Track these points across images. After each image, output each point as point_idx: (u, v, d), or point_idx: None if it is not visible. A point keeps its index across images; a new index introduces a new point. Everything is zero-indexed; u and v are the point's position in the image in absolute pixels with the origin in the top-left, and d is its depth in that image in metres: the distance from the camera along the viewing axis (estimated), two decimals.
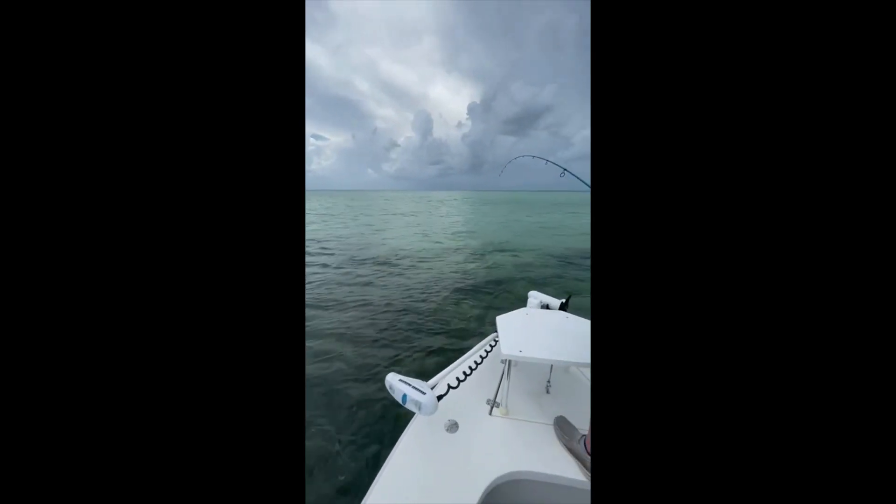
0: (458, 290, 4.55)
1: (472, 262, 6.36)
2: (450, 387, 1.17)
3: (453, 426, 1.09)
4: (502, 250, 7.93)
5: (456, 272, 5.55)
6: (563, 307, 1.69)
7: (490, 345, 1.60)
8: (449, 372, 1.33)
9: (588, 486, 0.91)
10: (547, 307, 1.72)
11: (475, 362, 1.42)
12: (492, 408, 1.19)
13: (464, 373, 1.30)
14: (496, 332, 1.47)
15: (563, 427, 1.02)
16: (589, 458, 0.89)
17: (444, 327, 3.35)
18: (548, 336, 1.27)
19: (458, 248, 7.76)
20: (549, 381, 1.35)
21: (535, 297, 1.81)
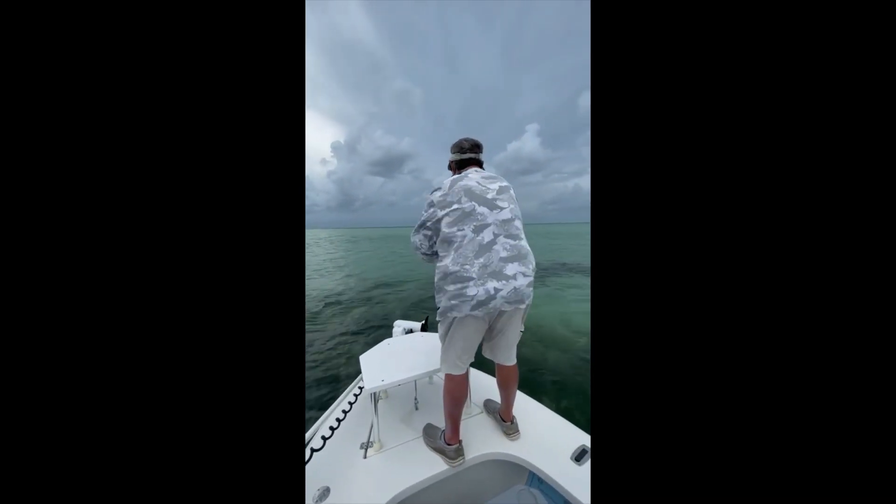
0: (344, 335, 4.53)
1: (358, 305, 6.37)
2: (314, 450, 1.10)
3: (323, 494, 1.02)
4: (384, 285, 8.21)
5: (341, 317, 5.47)
6: (423, 328, 1.88)
7: (359, 387, 1.59)
8: (314, 433, 1.25)
9: (450, 472, 1.13)
10: (411, 331, 1.86)
11: (343, 411, 1.36)
12: (366, 450, 1.20)
13: (330, 428, 1.24)
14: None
15: (428, 433, 1.30)
16: (447, 446, 1.18)
17: (332, 380, 3.29)
18: (407, 358, 1.38)
19: (339, 293, 7.57)
20: (416, 399, 1.51)
21: (399, 325, 1.92)
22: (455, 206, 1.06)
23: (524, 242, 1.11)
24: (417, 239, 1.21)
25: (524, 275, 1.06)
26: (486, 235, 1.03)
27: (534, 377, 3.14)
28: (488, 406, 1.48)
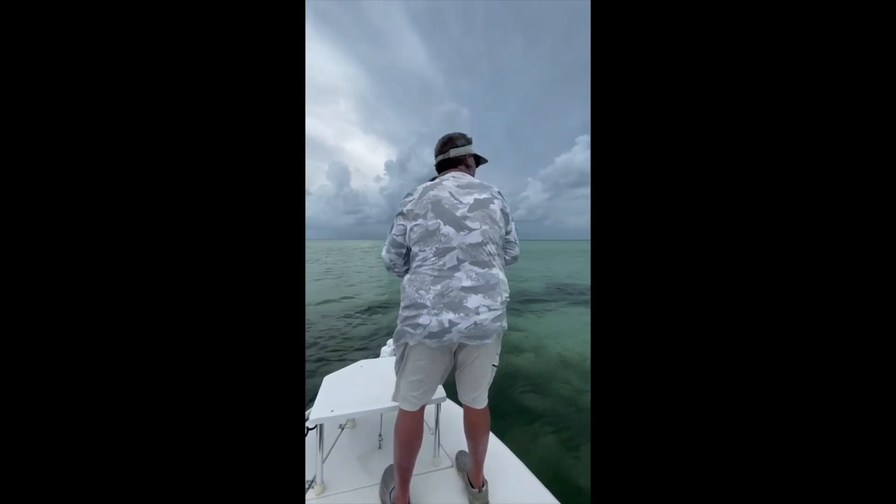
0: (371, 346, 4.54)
1: (390, 313, 6.42)
2: None
3: None
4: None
5: (372, 327, 5.52)
6: None
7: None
8: None
9: None
10: None
11: None
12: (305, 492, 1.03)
13: None
14: None
15: (385, 480, 1.12)
16: None
17: None
18: (376, 386, 1.20)
19: (378, 305, 7.73)
20: (380, 435, 1.30)
21: (389, 345, 1.74)
22: (419, 221, 0.93)
23: (496, 270, 0.94)
24: (388, 257, 1.07)
25: (489, 308, 0.89)
26: (449, 260, 0.90)
27: (568, 413, 2.71)
28: (460, 461, 1.26)
